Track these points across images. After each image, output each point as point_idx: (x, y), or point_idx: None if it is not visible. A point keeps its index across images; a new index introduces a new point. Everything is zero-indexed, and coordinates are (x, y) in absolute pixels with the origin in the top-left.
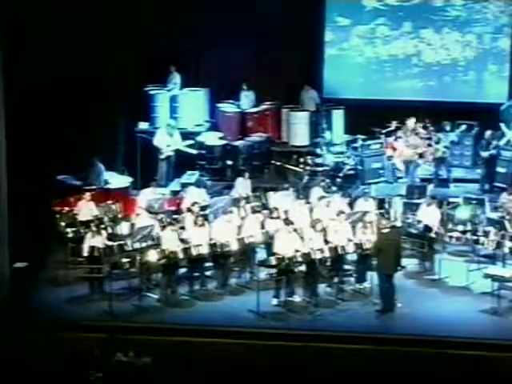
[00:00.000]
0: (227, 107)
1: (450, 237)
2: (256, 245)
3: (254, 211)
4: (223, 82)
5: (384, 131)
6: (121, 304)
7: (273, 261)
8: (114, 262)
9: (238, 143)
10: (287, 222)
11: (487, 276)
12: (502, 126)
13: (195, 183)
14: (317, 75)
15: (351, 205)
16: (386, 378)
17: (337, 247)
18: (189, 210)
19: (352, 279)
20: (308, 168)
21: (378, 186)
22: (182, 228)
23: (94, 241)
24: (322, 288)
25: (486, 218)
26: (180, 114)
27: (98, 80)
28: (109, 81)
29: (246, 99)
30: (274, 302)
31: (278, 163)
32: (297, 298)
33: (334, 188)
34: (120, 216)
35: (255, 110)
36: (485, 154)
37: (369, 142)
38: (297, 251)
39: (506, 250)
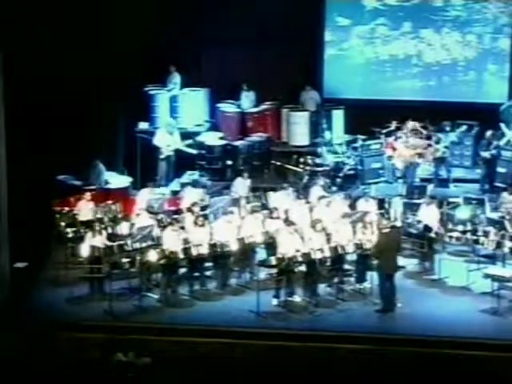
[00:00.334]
0: (227, 107)
1: (450, 237)
2: (256, 245)
3: (253, 211)
4: (223, 81)
5: (384, 131)
6: (121, 304)
7: (273, 261)
8: (113, 261)
9: (238, 143)
10: (289, 223)
11: (487, 276)
12: (502, 125)
13: (192, 183)
14: (317, 75)
15: (352, 206)
16: (386, 378)
17: (337, 247)
18: (189, 209)
19: (352, 279)
20: (308, 168)
21: (378, 186)
22: (182, 228)
23: (94, 241)
24: (322, 288)
25: (485, 217)
26: (180, 114)
27: (98, 80)
28: (109, 81)
29: (246, 99)
30: (274, 302)
31: (278, 163)
32: (297, 298)
33: (334, 188)
34: (120, 216)
35: (255, 110)
36: (485, 154)
37: (369, 142)
38: (297, 251)
39: (506, 250)
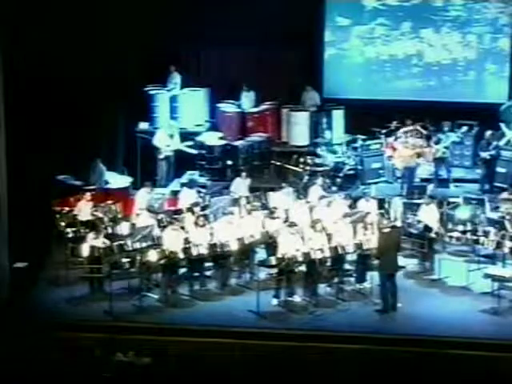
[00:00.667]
0: (227, 107)
1: (450, 237)
2: (256, 245)
3: (252, 211)
4: (223, 81)
5: (384, 131)
6: (121, 304)
7: (273, 261)
8: (114, 261)
9: (238, 143)
10: (289, 223)
11: (487, 276)
12: (502, 126)
13: (188, 184)
14: (317, 75)
15: (352, 206)
16: (386, 378)
17: (337, 247)
18: (189, 209)
19: (352, 279)
20: (308, 168)
21: (378, 186)
22: (182, 228)
23: (94, 241)
24: (322, 288)
25: (485, 217)
26: (180, 114)
27: (98, 80)
28: (109, 81)
29: (246, 99)
30: (274, 302)
31: (278, 163)
32: (297, 298)
33: (334, 188)
34: (120, 216)
35: (255, 109)
36: (484, 154)
37: (369, 142)
38: (297, 251)
39: (506, 250)
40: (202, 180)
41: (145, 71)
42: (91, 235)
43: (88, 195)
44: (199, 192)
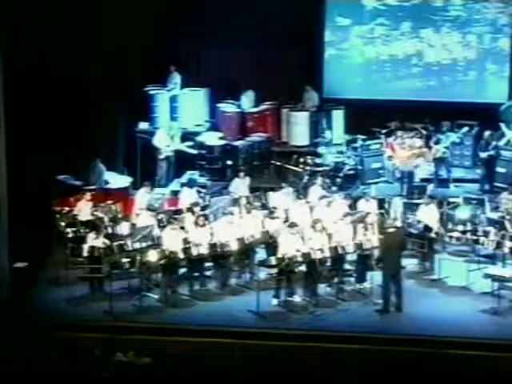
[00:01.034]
0: (227, 107)
1: (450, 237)
2: (256, 245)
3: (251, 210)
4: (223, 81)
5: (384, 131)
6: (121, 304)
7: (273, 261)
8: (114, 261)
9: (238, 143)
10: (291, 224)
11: (487, 276)
12: (502, 126)
13: (188, 184)
14: (317, 75)
15: (352, 206)
16: (386, 378)
17: (337, 247)
18: (189, 209)
19: (352, 279)
20: (308, 168)
21: (378, 186)
22: (182, 228)
23: (95, 241)
24: (322, 288)
25: (486, 217)
26: (180, 114)
27: (98, 80)
28: (109, 81)
29: (246, 99)
30: (274, 302)
31: (278, 163)
32: (297, 298)
33: (334, 188)
34: (120, 216)
35: (255, 109)
36: (483, 154)
37: (369, 142)
38: (297, 251)
39: (506, 250)
40: (202, 180)
41: (145, 71)
42: (91, 235)
43: (88, 195)
44: (199, 192)
